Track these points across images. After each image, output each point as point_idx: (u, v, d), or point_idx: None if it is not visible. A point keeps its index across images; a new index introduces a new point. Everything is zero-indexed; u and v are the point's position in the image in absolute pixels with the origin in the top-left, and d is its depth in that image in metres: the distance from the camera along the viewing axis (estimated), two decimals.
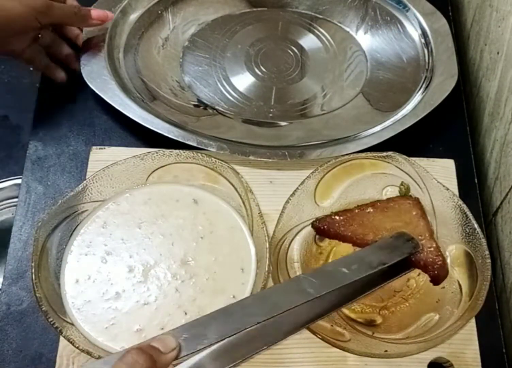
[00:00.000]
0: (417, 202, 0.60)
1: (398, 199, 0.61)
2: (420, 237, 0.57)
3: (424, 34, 0.76)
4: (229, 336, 0.45)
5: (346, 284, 0.50)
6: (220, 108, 0.72)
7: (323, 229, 0.59)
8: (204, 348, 0.44)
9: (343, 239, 0.58)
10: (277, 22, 0.80)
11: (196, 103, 0.72)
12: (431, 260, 0.55)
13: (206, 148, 0.64)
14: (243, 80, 0.75)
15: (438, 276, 0.56)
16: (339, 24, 0.80)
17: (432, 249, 0.56)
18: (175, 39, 0.77)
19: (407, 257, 0.55)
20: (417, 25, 0.77)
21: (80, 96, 0.71)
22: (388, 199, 0.61)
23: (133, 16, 0.75)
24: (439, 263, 0.55)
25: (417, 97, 0.71)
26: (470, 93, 0.79)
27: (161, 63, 0.75)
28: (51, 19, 0.64)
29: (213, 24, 0.79)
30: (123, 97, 0.67)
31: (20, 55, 0.65)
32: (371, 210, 0.59)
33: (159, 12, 0.77)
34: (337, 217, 0.59)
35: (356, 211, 0.59)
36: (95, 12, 0.68)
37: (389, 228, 0.58)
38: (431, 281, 0.56)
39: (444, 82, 0.71)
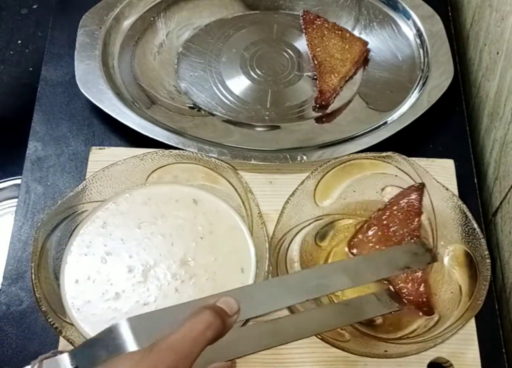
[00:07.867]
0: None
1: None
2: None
3: (418, 32, 0.76)
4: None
5: None
6: (217, 113, 0.71)
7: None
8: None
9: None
10: (272, 25, 0.80)
11: (193, 107, 0.72)
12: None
13: (207, 154, 0.63)
14: (239, 84, 0.74)
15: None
16: None
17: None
18: (170, 45, 0.77)
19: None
20: (411, 24, 0.77)
21: (80, 97, 0.70)
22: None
23: (126, 24, 0.75)
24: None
25: (414, 96, 0.71)
26: (470, 93, 0.79)
27: (157, 69, 0.75)
28: None
29: (207, 29, 0.79)
30: (121, 106, 0.67)
31: None
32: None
33: (152, 18, 0.77)
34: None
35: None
36: None
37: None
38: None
39: (441, 80, 0.71)
